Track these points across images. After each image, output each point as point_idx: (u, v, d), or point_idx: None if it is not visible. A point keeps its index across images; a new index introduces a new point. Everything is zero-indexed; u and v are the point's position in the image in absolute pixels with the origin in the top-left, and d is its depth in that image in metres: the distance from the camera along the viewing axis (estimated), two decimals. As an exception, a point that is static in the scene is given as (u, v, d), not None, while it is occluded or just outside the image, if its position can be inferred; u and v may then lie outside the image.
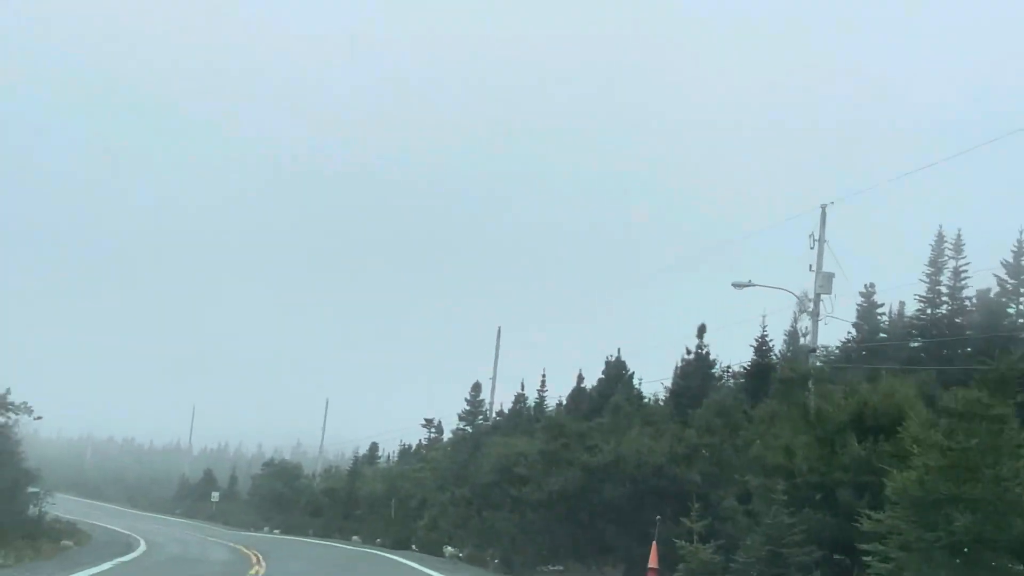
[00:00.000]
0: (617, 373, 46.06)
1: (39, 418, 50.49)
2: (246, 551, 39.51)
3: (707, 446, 29.07)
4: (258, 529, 73.44)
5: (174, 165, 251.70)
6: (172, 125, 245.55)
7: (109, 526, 65.31)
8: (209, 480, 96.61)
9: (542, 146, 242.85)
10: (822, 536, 20.28)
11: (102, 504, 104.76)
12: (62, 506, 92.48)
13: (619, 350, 46.86)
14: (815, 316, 29.89)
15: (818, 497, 20.50)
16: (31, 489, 51.07)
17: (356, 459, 67.76)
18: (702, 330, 38.42)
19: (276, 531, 71.01)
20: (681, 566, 22.71)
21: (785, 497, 20.45)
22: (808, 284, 30.88)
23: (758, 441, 23.64)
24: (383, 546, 47.20)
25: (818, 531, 20.25)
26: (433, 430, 69.63)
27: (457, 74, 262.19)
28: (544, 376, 55.91)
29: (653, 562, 23.88)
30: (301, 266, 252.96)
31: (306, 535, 64.77)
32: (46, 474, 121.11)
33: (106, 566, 28.65)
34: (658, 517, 24.40)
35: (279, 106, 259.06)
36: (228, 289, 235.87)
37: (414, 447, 69.33)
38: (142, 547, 39.44)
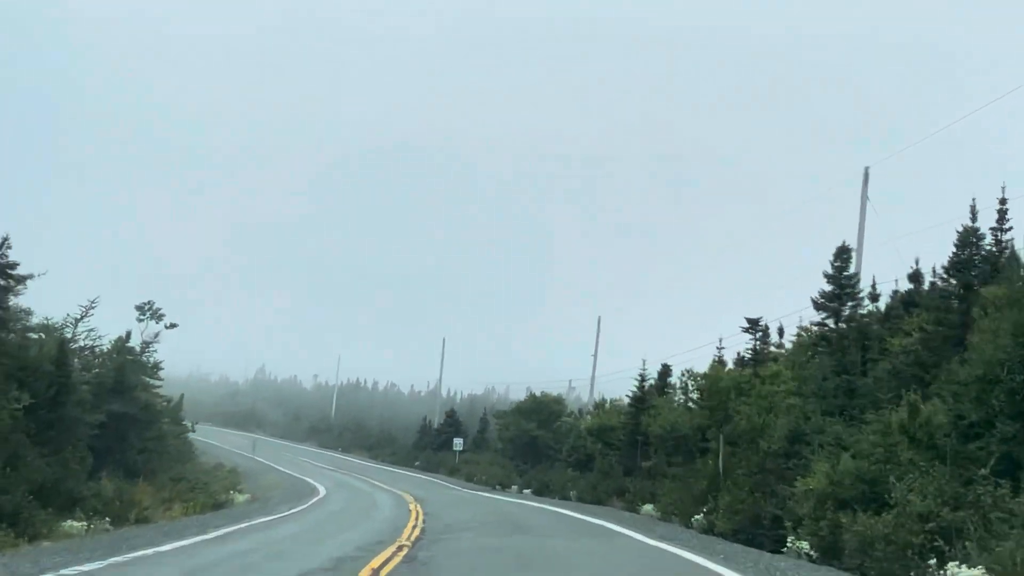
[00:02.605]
0: None
1: (174, 326, 39.18)
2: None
3: None
4: (505, 488, 50.85)
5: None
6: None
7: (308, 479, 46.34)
8: (452, 425, 75.40)
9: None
10: None
11: (339, 456, 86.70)
12: (276, 455, 75.32)
13: None
14: None
15: None
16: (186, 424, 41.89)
17: (642, 384, 43.12)
18: None
19: (527, 491, 48.05)
20: None
21: None
22: None
23: None
24: (711, 532, 22.38)
25: None
26: (759, 335, 43.89)
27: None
28: (1003, 201, 29.09)
29: None
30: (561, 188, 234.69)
31: (567, 499, 41.23)
32: (298, 420, 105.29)
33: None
34: None
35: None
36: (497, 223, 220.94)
37: (731, 363, 43.81)
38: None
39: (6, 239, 23.83)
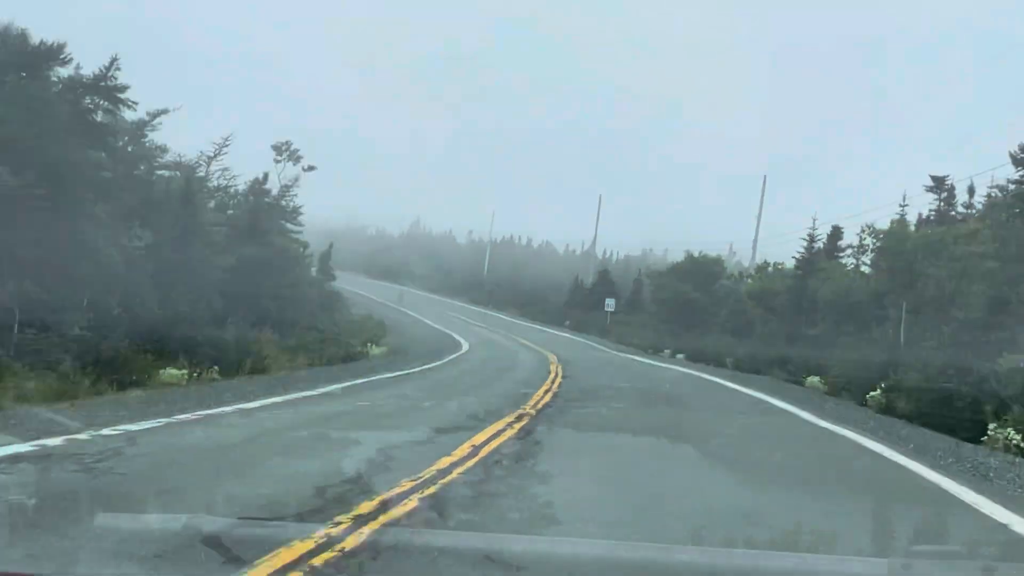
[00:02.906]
0: None
1: (312, 168, 39.51)
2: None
3: None
4: (657, 352, 48.47)
5: None
6: None
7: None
8: (605, 285, 73.26)
9: None
10: None
11: (489, 312, 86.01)
12: (425, 308, 74.97)
13: None
14: None
15: None
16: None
17: (811, 246, 39.51)
18: None
19: (679, 356, 45.58)
20: None
21: None
22: None
23: None
24: (890, 412, 19.37)
25: None
26: (943, 195, 39.49)
27: None
28: None
29: None
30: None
31: (723, 367, 38.53)
32: (450, 275, 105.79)
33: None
34: None
35: None
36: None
37: (914, 225, 39.67)
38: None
39: (115, 60, 21.83)
